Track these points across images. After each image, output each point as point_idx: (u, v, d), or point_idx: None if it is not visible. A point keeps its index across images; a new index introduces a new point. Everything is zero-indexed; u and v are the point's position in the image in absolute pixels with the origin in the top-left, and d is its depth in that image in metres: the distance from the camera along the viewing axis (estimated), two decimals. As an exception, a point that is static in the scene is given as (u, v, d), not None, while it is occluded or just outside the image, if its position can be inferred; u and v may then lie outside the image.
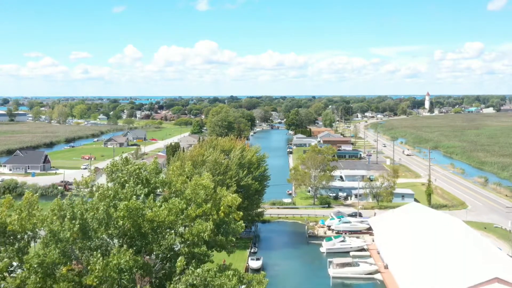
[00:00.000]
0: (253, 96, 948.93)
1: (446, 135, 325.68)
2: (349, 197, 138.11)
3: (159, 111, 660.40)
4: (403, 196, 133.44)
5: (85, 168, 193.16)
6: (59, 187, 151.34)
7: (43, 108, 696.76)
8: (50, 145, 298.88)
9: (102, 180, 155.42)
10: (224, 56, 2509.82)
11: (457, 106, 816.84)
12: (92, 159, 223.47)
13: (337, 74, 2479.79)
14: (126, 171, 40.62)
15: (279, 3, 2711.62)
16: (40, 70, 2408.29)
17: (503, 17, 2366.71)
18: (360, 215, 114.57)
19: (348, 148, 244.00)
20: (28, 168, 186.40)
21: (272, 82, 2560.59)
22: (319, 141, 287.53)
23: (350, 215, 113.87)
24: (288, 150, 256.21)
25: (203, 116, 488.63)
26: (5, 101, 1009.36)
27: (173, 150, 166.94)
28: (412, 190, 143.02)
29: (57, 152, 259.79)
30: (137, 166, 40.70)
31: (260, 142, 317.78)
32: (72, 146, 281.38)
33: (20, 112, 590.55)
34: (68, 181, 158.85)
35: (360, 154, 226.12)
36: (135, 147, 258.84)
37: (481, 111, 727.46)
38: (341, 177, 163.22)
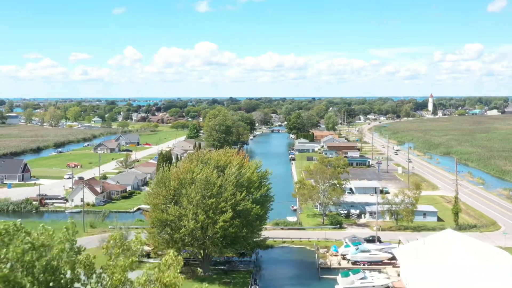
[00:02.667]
0: (253, 98, 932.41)
1: (456, 139, 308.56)
2: (362, 215, 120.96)
3: (156, 113, 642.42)
4: (424, 214, 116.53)
5: (69, 178, 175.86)
6: (34, 202, 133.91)
7: (38, 110, 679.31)
8: (37, 150, 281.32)
9: (81, 194, 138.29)
10: (224, 57, 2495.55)
11: (460, 108, 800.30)
12: (78, 167, 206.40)
13: (337, 76, 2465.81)
14: (4, 256, 22.00)
15: (279, 4, 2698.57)
16: (40, 72, 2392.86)
17: (503, 18, 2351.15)
18: (379, 240, 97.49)
19: (355, 154, 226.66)
20: (5, 178, 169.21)
21: (271, 83, 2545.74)
22: (323, 146, 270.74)
23: (367, 240, 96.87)
24: (290, 156, 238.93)
25: (201, 119, 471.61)
26: (2, 103, 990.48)
27: (164, 159, 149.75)
28: (431, 205, 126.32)
29: (43, 158, 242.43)
30: (28, 246, 22.36)
31: (260, 147, 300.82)
32: (60, 152, 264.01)
33: (12, 114, 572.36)
34: (45, 194, 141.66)
35: (369, 162, 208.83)
36: (126, 152, 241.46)
37: (485, 113, 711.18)
38: (351, 189, 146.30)
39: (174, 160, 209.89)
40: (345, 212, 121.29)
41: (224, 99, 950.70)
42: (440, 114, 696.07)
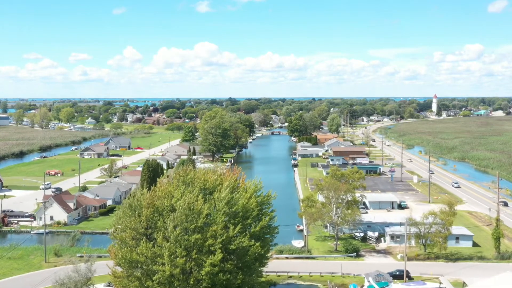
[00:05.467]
0: (252, 98, 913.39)
1: (468, 142, 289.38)
2: (382, 238, 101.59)
3: (153, 114, 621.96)
4: (457, 238, 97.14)
5: (46, 188, 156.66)
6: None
7: (33, 111, 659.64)
8: (20, 155, 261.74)
9: (53, 211, 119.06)
10: (224, 58, 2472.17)
11: (464, 108, 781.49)
12: (59, 175, 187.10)
13: (337, 76, 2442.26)
14: None
15: (279, 5, 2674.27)
16: (39, 72, 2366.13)
17: (503, 19, 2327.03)
18: (409, 276, 78.23)
19: (365, 161, 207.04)
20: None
21: (271, 84, 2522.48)
22: (327, 151, 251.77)
23: (394, 276, 77.62)
24: (292, 162, 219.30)
25: (198, 120, 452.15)
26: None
27: (149, 169, 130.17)
28: (461, 225, 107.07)
29: (23, 164, 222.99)
30: None
31: (260, 152, 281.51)
32: (44, 157, 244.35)
33: (2, 115, 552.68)
34: (10, 210, 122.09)
35: (380, 169, 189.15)
36: (112, 158, 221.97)
37: (490, 114, 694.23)
38: (364, 203, 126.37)
39: (165, 168, 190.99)
40: (362, 235, 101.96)
41: (223, 100, 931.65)
42: (444, 115, 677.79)
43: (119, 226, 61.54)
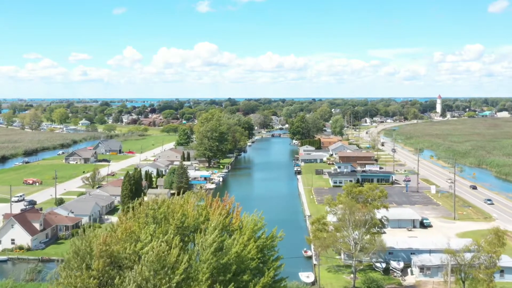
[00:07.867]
0: (252, 99, 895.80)
1: (481, 146, 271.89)
2: (408, 270, 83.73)
3: (150, 115, 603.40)
4: (502, 271, 79.61)
5: (19, 201, 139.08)
6: None
7: (27, 111, 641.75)
8: (2, 159, 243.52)
9: (15, 233, 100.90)
10: (224, 58, 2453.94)
11: (467, 109, 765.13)
12: (37, 184, 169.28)
13: (336, 76, 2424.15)
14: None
15: (279, 5, 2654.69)
16: (39, 72, 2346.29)
17: (503, 19, 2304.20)
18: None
19: (374, 168, 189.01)
20: None
21: (271, 84, 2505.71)
22: (332, 155, 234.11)
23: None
24: (295, 169, 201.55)
25: (196, 122, 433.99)
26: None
27: (131, 182, 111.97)
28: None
29: (2, 171, 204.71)
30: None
31: (259, 156, 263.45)
32: (26, 162, 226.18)
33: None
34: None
35: (393, 177, 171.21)
36: (103, 163, 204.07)
37: (495, 115, 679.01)
38: (380, 221, 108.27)
39: (155, 176, 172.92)
40: (384, 266, 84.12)
41: (223, 100, 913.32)
42: (448, 116, 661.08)
43: (62, 281, 43.62)
